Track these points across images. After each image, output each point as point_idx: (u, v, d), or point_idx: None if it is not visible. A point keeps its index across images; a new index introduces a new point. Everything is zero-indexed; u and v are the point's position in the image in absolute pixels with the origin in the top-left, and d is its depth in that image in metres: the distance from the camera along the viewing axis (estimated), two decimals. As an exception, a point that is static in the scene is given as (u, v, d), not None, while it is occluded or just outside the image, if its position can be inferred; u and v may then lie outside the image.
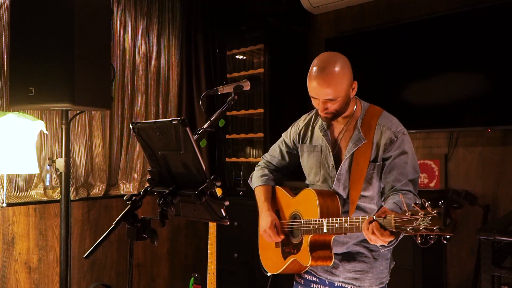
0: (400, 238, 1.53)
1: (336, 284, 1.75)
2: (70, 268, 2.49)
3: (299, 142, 1.91)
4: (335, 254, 1.72)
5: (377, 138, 1.67)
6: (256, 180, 1.99)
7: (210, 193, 1.20)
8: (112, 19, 3.14)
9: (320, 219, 1.62)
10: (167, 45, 3.79)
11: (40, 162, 2.92)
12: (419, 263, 2.76)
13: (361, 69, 3.39)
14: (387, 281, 1.78)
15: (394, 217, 1.34)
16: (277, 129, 3.65)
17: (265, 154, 2.08)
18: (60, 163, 2.45)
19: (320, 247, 1.68)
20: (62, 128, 2.49)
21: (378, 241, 1.40)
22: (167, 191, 1.25)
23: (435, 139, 3.16)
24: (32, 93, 2.23)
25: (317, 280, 1.81)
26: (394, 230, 1.34)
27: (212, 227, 2.81)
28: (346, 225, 1.54)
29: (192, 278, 3.08)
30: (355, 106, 1.76)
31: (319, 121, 1.83)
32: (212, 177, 1.20)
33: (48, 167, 2.89)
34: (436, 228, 1.21)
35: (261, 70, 3.56)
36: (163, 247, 3.71)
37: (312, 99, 1.71)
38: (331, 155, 1.75)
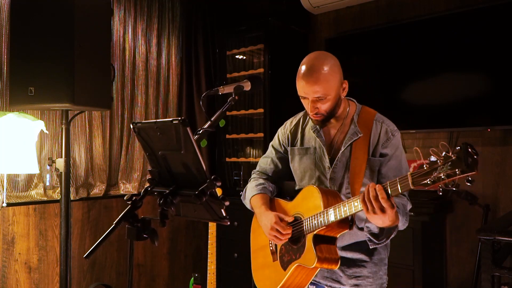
0: (393, 236, 1.54)
1: None
2: (70, 268, 2.49)
3: (288, 145, 1.84)
4: None
5: (375, 132, 1.64)
6: (250, 191, 1.86)
7: (210, 193, 1.20)
8: (112, 19, 3.13)
9: (325, 210, 1.53)
10: (167, 45, 3.79)
11: (40, 162, 2.92)
12: (419, 263, 2.76)
13: (361, 69, 3.44)
14: (386, 285, 1.74)
15: (411, 173, 1.27)
16: (277, 129, 3.65)
17: (254, 170, 1.96)
18: (60, 163, 2.45)
19: (325, 245, 1.57)
20: (62, 128, 2.49)
21: (377, 210, 1.34)
22: (167, 191, 1.25)
23: (435, 139, 3.16)
24: (32, 93, 2.23)
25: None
26: (412, 187, 1.26)
27: (212, 227, 2.81)
28: (355, 203, 1.43)
29: (192, 278, 3.08)
30: (348, 108, 1.71)
31: (310, 122, 1.76)
32: (212, 177, 1.20)
33: (48, 167, 2.89)
34: (458, 171, 1.16)
35: (261, 70, 3.56)
36: (163, 247, 3.71)
37: (302, 100, 1.67)
38: (326, 157, 1.68)
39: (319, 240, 1.57)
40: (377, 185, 1.35)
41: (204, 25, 3.92)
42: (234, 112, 3.77)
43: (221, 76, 3.83)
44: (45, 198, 2.97)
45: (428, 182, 1.22)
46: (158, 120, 1.27)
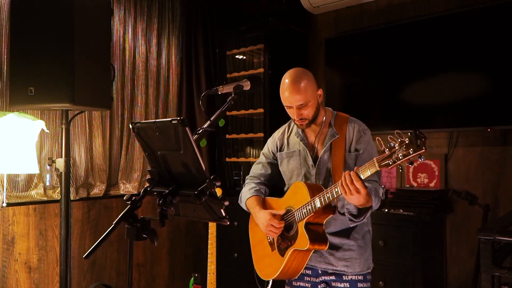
0: (368, 214, 1.82)
1: (330, 271, 1.94)
2: (70, 268, 2.49)
3: (277, 151, 2.12)
4: None
5: (350, 132, 1.95)
6: (244, 195, 2.14)
7: (209, 193, 1.20)
8: (112, 19, 3.14)
9: (312, 200, 1.82)
10: (167, 45, 3.79)
11: (40, 162, 2.92)
12: (419, 263, 2.76)
13: (361, 69, 3.44)
14: (372, 267, 2.00)
15: (376, 158, 1.59)
16: (277, 129, 3.66)
17: (247, 176, 2.25)
18: (60, 163, 2.45)
19: (314, 229, 1.85)
20: (62, 128, 2.49)
21: (353, 191, 1.63)
22: (166, 191, 1.25)
23: (435, 139, 3.16)
24: (32, 93, 2.23)
25: (309, 272, 1.99)
26: (379, 168, 1.58)
27: (212, 227, 2.81)
28: (336, 189, 1.73)
29: (192, 278, 3.08)
30: (325, 114, 2.01)
31: (294, 130, 2.08)
32: (211, 177, 1.20)
33: (48, 167, 2.89)
34: (411, 151, 1.48)
35: (261, 70, 3.56)
36: (163, 247, 3.71)
37: (287, 109, 1.95)
38: (309, 156, 1.98)
39: (309, 225, 1.85)
40: (351, 172, 1.66)
41: (204, 25, 3.92)
42: (234, 112, 3.77)
43: (221, 76, 3.83)
44: (45, 198, 2.97)
45: (390, 163, 1.54)
46: (157, 120, 1.27)
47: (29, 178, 2.91)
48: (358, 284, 1.93)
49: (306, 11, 3.70)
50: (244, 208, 2.15)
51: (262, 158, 2.19)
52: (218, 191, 1.28)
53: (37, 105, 2.28)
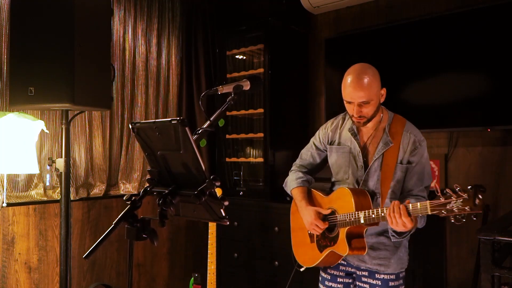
0: (412, 232, 1.82)
1: (362, 267, 1.98)
2: (70, 268, 2.49)
3: (328, 144, 2.11)
4: None
5: (405, 142, 1.90)
6: (291, 183, 2.18)
7: (209, 193, 1.20)
8: (112, 19, 3.14)
9: (357, 212, 1.83)
10: (167, 45, 3.79)
11: (40, 162, 2.92)
12: (419, 263, 2.75)
13: (361, 69, 3.42)
14: (407, 266, 2.01)
15: (430, 202, 1.58)
16: (277, 129, 3.68)
17: (296, 161, 2.27)
18: (60, 163, 2.45)
19: (355, 238, 1.89)
20: (62, 128, 2.49)
21: (399, 224, 1.65)
22: (166, 191, 1.25)
23: (435, 139, 3.16)
24: (32, 93, 2.23)
25: (345, 263, 2.04)
26: (429, 213, 1.59)
27: (212, 227, 2.82)
28: (382, 214, 1.74)
29: (192, 278, 3.08)
30: (382, 115, 1.97)
31: (347, 125, 2.05)
32: (211, 177, 1.20)
33: (48, 167, 2.89)
34: (467, 208, 1.48)
35: (261, 70, 3.56)
36: (163, 247, 3.71)
37: (347, 105, 1.92)
38: (361, 157, 1.96)
39: (350, 234, 1.89)
40: (401, 205, 1.66)
41: (204, 25, 3.92)
42: (234, 112, 3.77)
43: (221, 76, 3.83)
44: (45, 198, 2.97)
45: (443, 212, 1.54)
46: (157, 120, 1.27)
47: (29, 178, 2.91)
48: (390, 283, 1.95)
49: (306, 11, 3.70)
50: (288, 192, 2.21)
51: (312, 147, 2.19)
52: (218, 191, 1.28)
53: (37, 105, 2.28)
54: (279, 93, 3.54)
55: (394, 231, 1.85)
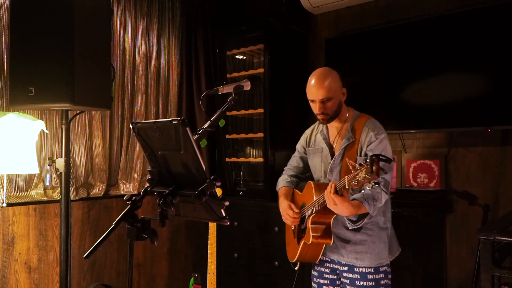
0: (363, 221, 2.03)
1: (343, 262, 2.13)
2: (70, 268, 2.49)
3: (307, 147, 2.35)
4: (339, 237, 2.12)
5: (363, 137, 2.08)
6: (278, 185, 2.45)
7: (210, 193, 1.20)
8: (112, 19, 3.13)
9: (315, 200, 2.04)
10: (167, 45, 3.79)
11: (40, 162, 2.92)
12: (419, 263, 2.76)
13: (361, 69, 3.44)
14: (388, 262, 2.13)
15: (347, 176, 1.78)
16: (277, 129, 3.68)
17: (286, 167, 2.50)
18: (60, 163, 2.45)
19: (320, 226, 2.06)
20: (62, 128, 2.49)
21: (331, 202, 1.85)
22: (167, 191, 1.25)
23: (435, 139, 3.16)
24: (32, 93, 2.23)
25: (329, 259, 2.21)
26: (347, 187, 1.78)
27: (212, 227, 2.82)
28: (323, 199, 1.91)
29: (192, 278, 3.08)
30: (347, 114, 2.17)
31: (320, 128, 2.29)
32: (212, 177, 1.20)
33: (48, 167, 2.89)
34: (368, 175, 1.67)
35: (261, 70, 3.56)
36: (163, 247, 3.71)
37: (312, 104, 2.12)
38: (329, 154, 2.19)
39: (315, 223, 2.06)
40: (331, 182, 1.87)
41: (204, 25, 3.91)
42: (234, 112, 3.77)
43: (221, 76, 3.82)
44: (45, 198, 2.97)
45: (355, 183, 1.73)
46: (157, 120, 1.27)
47: (29, 178, 2.91)
48: (368, 276, 2.07)
49: (306, 11, 3.70)
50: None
51: (296, 152, 2.44)
52: (218, 191, 1.28)
53: (37, 105, 2.28)
54: (279, 93, 3.54)
55: (349, 219, 2.05)
